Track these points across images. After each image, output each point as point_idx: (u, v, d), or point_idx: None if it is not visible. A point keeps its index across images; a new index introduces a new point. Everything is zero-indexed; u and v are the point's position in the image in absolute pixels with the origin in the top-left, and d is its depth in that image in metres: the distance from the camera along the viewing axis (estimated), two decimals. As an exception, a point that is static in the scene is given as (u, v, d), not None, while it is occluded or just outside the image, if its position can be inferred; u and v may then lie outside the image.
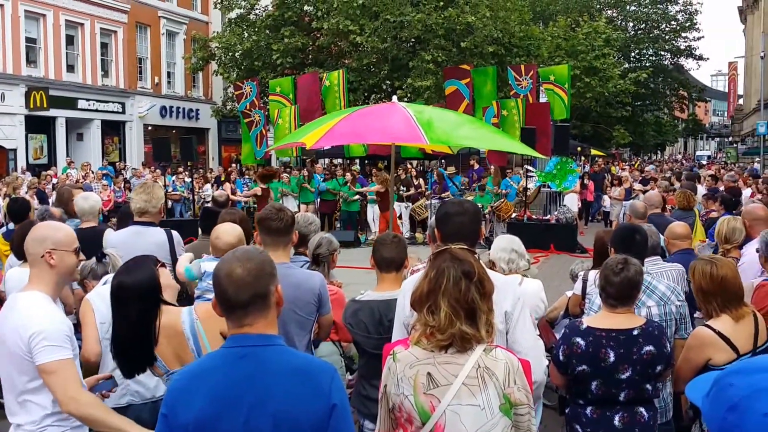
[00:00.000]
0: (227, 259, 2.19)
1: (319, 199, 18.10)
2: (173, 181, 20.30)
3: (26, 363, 2.86)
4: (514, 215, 16.78)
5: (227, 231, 4.19)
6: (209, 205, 10.73)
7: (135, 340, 2.95)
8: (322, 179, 18.42)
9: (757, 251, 4.90)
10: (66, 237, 3.09)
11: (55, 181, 19.11)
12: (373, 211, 17.46)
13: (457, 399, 2.38)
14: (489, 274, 2.67)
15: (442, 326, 2.39)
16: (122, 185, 19.70)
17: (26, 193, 17.15)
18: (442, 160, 20.97)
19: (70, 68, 26.29)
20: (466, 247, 2.60)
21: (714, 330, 3.67)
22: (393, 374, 2.49)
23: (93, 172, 20.84)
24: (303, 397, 2.11)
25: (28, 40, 24.44)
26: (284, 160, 26.09)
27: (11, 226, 6.78)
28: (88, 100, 26.67)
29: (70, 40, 26.21)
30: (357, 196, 17.36)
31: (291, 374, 2.14)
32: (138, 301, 2.97)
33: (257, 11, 27.40)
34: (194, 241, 6.38)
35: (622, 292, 3.51)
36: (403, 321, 3.05)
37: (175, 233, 5.10)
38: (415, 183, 18.23)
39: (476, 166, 19.36)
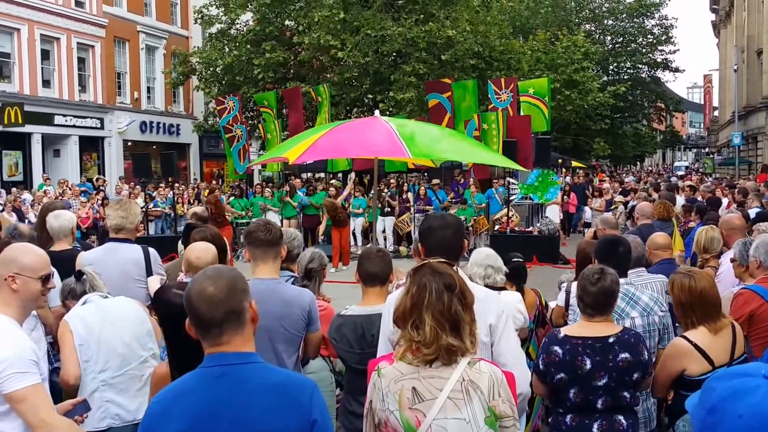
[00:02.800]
0: (198, 279, 2.17)
1: (301, 214, 18.07)
2: (154, 197, 20.16)
3: None
4: (496, 227, 16.87)
5: (204, 249, 4.12)
6: (191, 221, 10.67)
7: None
8: (304, 193, 18.39)
9: (732, 261, 4.96)
10: (33, 263, 3.00)
11: (30, 198, 18.88)
12: (357, 225, 17.49)
13: (442, 413, 2.38)
14: (471, 286, 2.68)
15: (428, 340, 2.39)
16: (100, 202, 19.49)
17: (2, 211, 16.97)
18: (425, 174, 21.06)
19: (46, 83, 26.01)
20: (444, 260, 2.61)
21: (690, 341, 3.73)
22: (378, 390, 2.49)
23: (70, 189, 20.62)
24: (282, 414, 2.10)
25: (2, 54, 24.15)
26: (267, 175, 26.08)
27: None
28: (65, 115, 26.36)
29: (45, 55, 25.94)
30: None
31: (270, 391, 2.13)
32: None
33: (238, 26, 27.39)
34: (176, 258, 6.30)
35: (598, 301, 3.58)
36: (388, 336, 3.05)
37: (152, 250, 4.99)
38: (403, 197, 18.27)
39: (462, 180, 19.50)
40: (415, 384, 2.42)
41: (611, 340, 3.52)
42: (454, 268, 2.59)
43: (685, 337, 3.77)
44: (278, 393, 2.13)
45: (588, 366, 3.48)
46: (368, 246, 16.24)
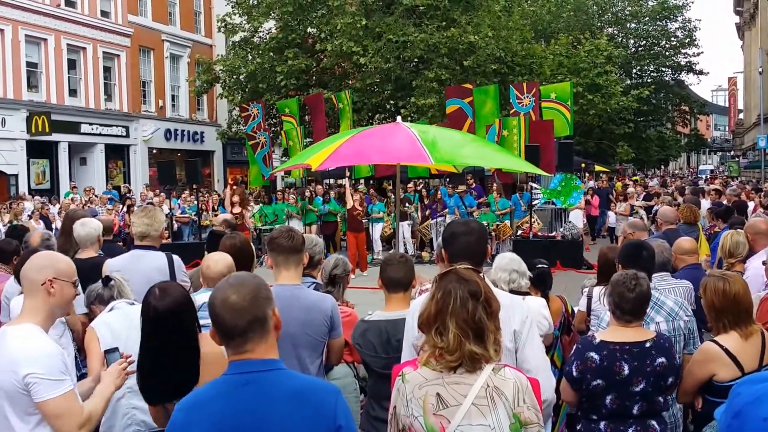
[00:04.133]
0: (221, 287, 2.18)
1: (320, 221, 18.13)
2: (179, 204, 20.33)
3: (23, 398, 2.75)
4: (519, 233, 16.81)
5: (217, 260, 4.13)
6: (219, 228, 10.75)
7: (167, 366, 2.94)
8: (322, 201, 18.48)
9: (764, 263, 4.90)
10: (67, 267, 3.06)
11: (57, 207, 19.11)
12: (377, 230, 17.50)
13: (467, 419, 2.38)
14: (496, 292, 2.67)
15: (451, 347, 2.39)
16: (125, 209, 19.68)
17: (29, 218, 17.20)
18: (447, 179, 21.05)
19: (73, 92, 26.41)
20: (471, 266, 2.61)
21: (721, 346, 3.68)
22: (402, 395, 2.50)
23: (97, 197, 20.87)
24: (307, 420, 2.11)
25: (29, 64, 24.51)
26: (290, 181, 26.21)
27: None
28: (91, 124, 26.74)
29: (72, 65, 26.34)
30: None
31: (294, 398, 2.13)
32: (169, 325, 2.97)
33: (261, 34, 27.60)
34: (200, 265, 6.33)
35: (636, 307, 3.57)
36: (412, 342, 3.05)
37: (176, 257, 5.03)
38: (426, 203, 18.28)
39: (473, 184, 19.45)
40: (439, 390, 2.42)
41: (648, 344, 3.51)
42: (481, 275, 2.58)
43: (716, 342, 3.73)
44: (303, 399, 2.14)
45: (626, 371, 3.45)
46: (391, 252, 16.30)
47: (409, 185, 20.72)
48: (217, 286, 2.20)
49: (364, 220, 16.36)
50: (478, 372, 2.41)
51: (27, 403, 2.77)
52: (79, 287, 3.19)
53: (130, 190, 24.25)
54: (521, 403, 2.42)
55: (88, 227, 5.43)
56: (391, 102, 26.25)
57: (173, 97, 31.74)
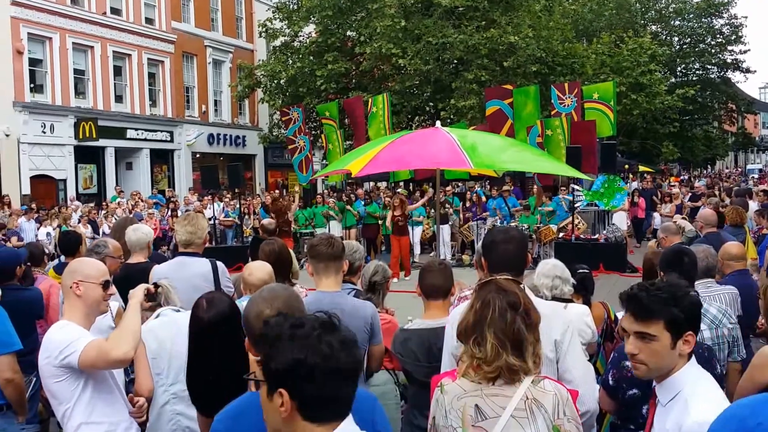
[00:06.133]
0: (254, 301, 2.22)
1: (361, 225, 18.16)
2: (223, 207, 20.59)
3: (64, 375, 3.12)
4: (560, 235, 16.64)
5: (258, 267, 4.19)
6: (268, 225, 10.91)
7: (216, 377, 3.02)
8: (363, 204, 18.49)
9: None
10: (93, 271, 3.35)
11: (104, 212, 19.51)
12: (416, 234, 17.48)
13: (505, 431, 2.38)
14: (536, 302, 2.66)
15: (489, 358, 2.39)
16: (169, 213, 20.02)
17: (78, 222, 17.61)
18: (487, 181, 20.97)
19: (119, 98, 26.90)
20: (511, 277, 2.60)
21: None
22: (441, 406, 2.50)
23: (143, 201, 21.24)
24: None
25: (77, 71, 25.04)
26: (330, 184, 26.36)
27: (63, 258, 6.90)
28: (136, 129, 27.24)
29: (117, 71, 26.85)
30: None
31: None
32: (217, 336, 3.05)
33: (301, 38, 27.83)
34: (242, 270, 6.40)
35: None
36: (451, 351, 3.05)
37: (219, 264, 5.10)
38: (467, 205, 18.24)
39: (513, 187, 19.37)
40: (477, 401, 2.42)
41: None
42: (521, 285, 2.57)
43: None
44: None
45: None
46: (431, 255, 16.29)
47: (447, 188, 20.66)
48: (250, 300, 2.24)
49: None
50: (516, 384, 2.41)
51: (72, 376, 3.12)
52: (113, 287, 3.41)
53: (174, 195, 24.66)
54: (561, 415, 2.41)
55: (139, 233, 5.59)
56: (431, 104, 26.24)
57: (216, 102, 32.16)
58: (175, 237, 5.31)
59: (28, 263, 5.84)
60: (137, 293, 3.41)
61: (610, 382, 3.53)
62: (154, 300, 3.71)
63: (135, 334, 3.18)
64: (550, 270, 4.70)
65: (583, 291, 5.23)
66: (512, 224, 16.79)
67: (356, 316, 3.81)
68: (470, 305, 2.52)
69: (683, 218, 16.74)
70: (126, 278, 4.91)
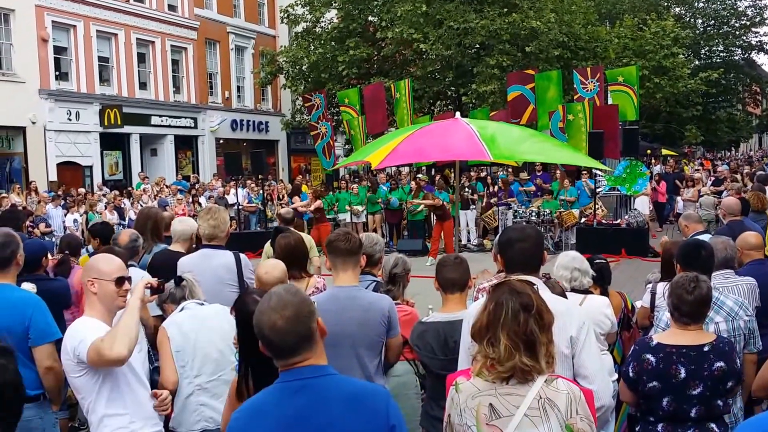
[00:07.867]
0: (264, 311, 2.25)
1: (384, 210, 18.24)
2: (247, 192, 20.75)
3: (82, 370, 3.19)
4: (582, 220, 16.60)
5: (274, 266, 4.27)
6: (275, 223, 11.03)
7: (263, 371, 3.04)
8: (388, 189, 18.52)
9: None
10: (107, 267, 3.36)
11: (130, 199, 19.77)
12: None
13: (519, 430, 2.44)
14: (551, 299, 2.71)
15: (502, 358, 2.44)
16: (191, 199, 20.22)
17: (105, 208, 17.87)
18: (508, 168, 20.91)
19: (143, 85, 27.15)
20: (525, 278, 2.65)
21: None
22: (456, 405, 2.57)
23: (168, 187, 21.48)
24: (361, 423, 2.19)
25: (101, 59, 25.29)
26: (353, 169, 26.44)
27: (90, 247, 7.08)
28: (160, 116, 27.45)
29: (141, 58, 27.06)
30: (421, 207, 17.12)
31: (347, 402, 2.22)
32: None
33: (323, 24, 27.83)
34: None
35: (694, 309, 3.53)
36: (467, 348, 3.11)
37: (243, 256, 5.18)
38: (490, 191, 18.20)
39: (540, 171, 19.27)
40: (492, 400, 2.48)
41: (706, 348, 3.48)
42: (534, 287, 2.62)
43: None
44: (357, 402, 2.23)
45: (682, 375, 3.44)
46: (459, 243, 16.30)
47: (472, 173, 20.65)
48: (260, 309, 2.27)
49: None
50: (530, 383, 2.46)
51: (90, 371, 3.20)
52: (127, 284, 3.42)
53: (198, 180, 24.87)
54: (574, 414, 2.45)
55: (185, 224, 5.81)
56: (452, 89, 26.16)
57: (239, 88, 32.28)
58: (198, 230, 5.41)
59: (66, 252, 6.09)
60: (137, 290, 3.37)
61: (631, 375, 3.58)
62: (160, 293, 3.74)
63: (130, 333, 3.13)
64: (569, 262, 4.73)
65: (601, 281, 5.27)
66: (532, 208, 16.77)
67: (373, 310, 3.87)
68: (484, 306, 2.57)
69: (708, 195, 16.67)
70: (163, 265, 5.17)
